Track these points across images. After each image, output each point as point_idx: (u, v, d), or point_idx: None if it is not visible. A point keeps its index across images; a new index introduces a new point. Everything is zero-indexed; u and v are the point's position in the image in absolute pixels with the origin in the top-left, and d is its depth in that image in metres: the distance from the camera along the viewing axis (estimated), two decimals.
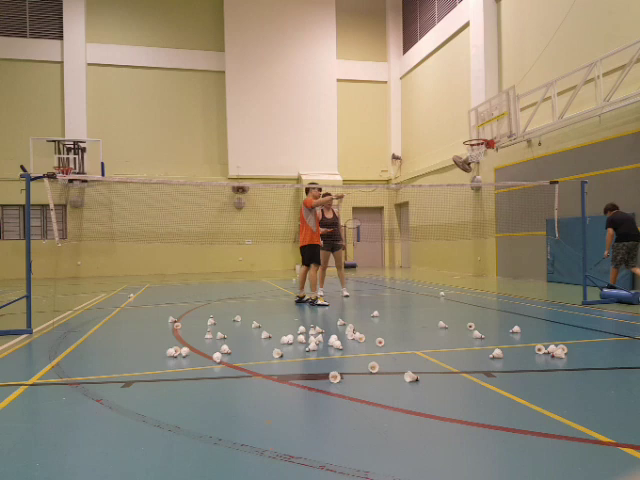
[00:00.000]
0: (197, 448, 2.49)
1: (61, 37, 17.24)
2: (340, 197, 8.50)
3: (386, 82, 19.94)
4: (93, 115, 17.38)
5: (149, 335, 5.77)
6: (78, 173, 15.96)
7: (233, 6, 18.23)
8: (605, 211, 8.75)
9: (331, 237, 8.82)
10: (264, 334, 5.28)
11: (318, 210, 8.52)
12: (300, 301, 8.25)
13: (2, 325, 6.39)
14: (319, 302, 7.85)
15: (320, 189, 8.38)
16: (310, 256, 8.20)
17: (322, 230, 8.62)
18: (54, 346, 5.00)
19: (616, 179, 9.45)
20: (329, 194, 8.63)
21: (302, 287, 8.41)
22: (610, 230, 8.43)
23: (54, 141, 16.02)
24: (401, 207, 19.61)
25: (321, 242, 8.47)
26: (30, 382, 3.71)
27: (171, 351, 4.42)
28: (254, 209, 18.04)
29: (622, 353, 4.46)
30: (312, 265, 8.20)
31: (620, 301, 7.45)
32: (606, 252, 8.59)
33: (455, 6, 15.34)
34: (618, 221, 8.53)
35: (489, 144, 11.72)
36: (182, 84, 18.28)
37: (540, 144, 11.24)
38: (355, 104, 19.68)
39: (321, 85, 19.11)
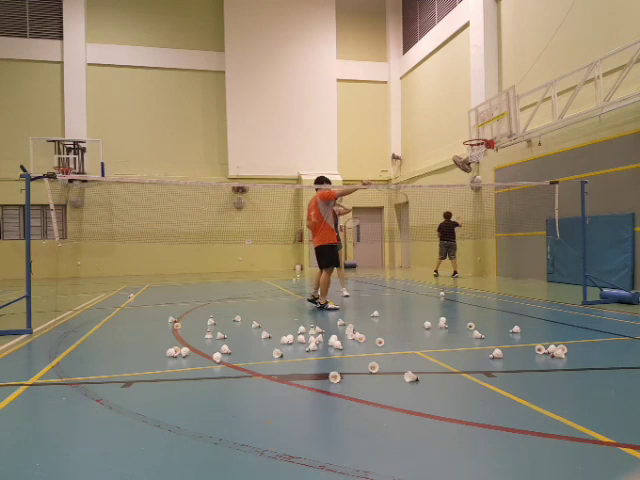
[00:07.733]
0: (197, 448, 2.49)
1: (61, 37, 17.24)
2: (368, 184, 7.60)
3: (386, 82, 19.94)
4: (93, 115, 17.38)
5: (149, 335, 5.77)
6: (78, 173, 15.97)
7: (233, 6, 18.23)
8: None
9: None
10: (264, 334, 5.28)
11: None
12: (313, 301, 7.75)
13: (2, 325, 6.39)
14: (330, 306, 7.48)
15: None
16: (330, 257, 7.46)
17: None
18: (54, 346, 5.00)
19: (616, 179, 9.45)
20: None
21: (317, 286, 7.73)
22: (438, 233, 13.89)
23: (54, 141, 16.02)
24: (401, 207, 19.61)
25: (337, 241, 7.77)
26: (30, 382, 3.71)
27: (171, 351, 4.42)
28: (254, 209, 18.04)
29: (622, 353, 4.45)
30: (325, 269, 7.51)
31: (620, 301, 7.44)
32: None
33: (455, 6, 15.34)
34: (441, 228, 13.83)
35: (489, 144, 11.72)
36: (182, 84, 18.28)
37: (540, 144, 11.23)
38: (355, 104, 19.67)
39: (321, 85, 19.11)
